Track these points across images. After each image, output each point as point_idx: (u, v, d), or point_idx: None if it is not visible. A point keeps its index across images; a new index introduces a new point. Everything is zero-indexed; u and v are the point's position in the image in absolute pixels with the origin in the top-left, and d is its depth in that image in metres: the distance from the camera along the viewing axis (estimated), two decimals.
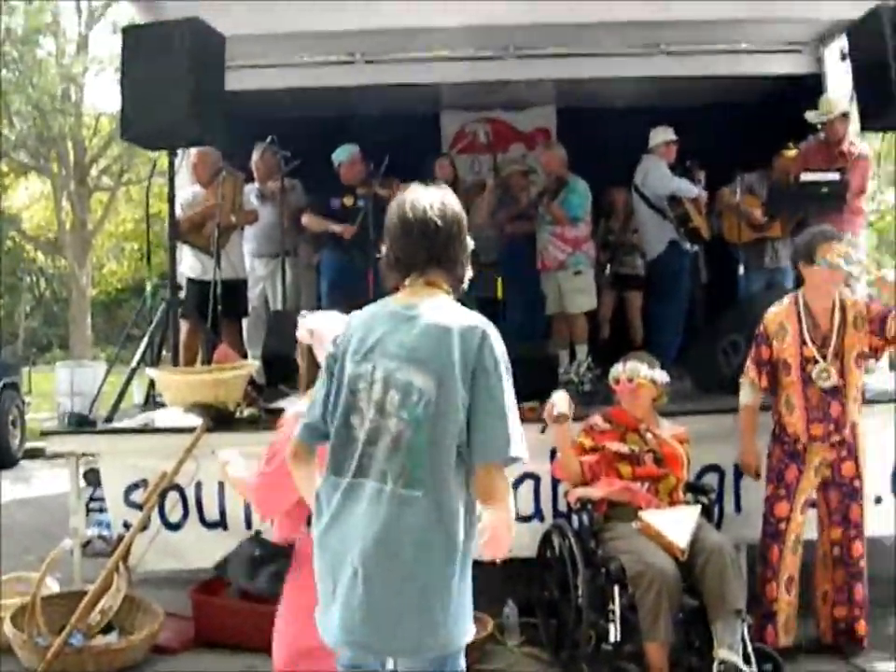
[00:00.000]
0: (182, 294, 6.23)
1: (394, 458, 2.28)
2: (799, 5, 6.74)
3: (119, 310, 25.89)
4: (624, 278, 7.77)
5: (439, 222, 2.40)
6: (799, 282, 4.52)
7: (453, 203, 2.47)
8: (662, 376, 4.40)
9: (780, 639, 4.26)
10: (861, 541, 4.28)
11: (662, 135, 7.02)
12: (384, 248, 2.47)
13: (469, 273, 2.54)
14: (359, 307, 5.65)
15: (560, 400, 4.24)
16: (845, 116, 6.55)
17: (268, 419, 4.68)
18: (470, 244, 2.51)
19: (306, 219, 7.08)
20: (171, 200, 5.97)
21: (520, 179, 7.52)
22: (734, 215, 7.13)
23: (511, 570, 4.85)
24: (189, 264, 6.64)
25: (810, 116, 6.72)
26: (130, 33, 5.82)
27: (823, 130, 6.70)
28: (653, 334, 7.18)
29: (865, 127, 6.52)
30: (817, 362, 4.20)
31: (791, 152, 7.18)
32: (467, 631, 2.38)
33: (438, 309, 2.37)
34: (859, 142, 6.85)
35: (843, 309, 4.26)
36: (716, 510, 4.69)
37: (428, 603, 2.26)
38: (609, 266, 7.73)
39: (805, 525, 4.34)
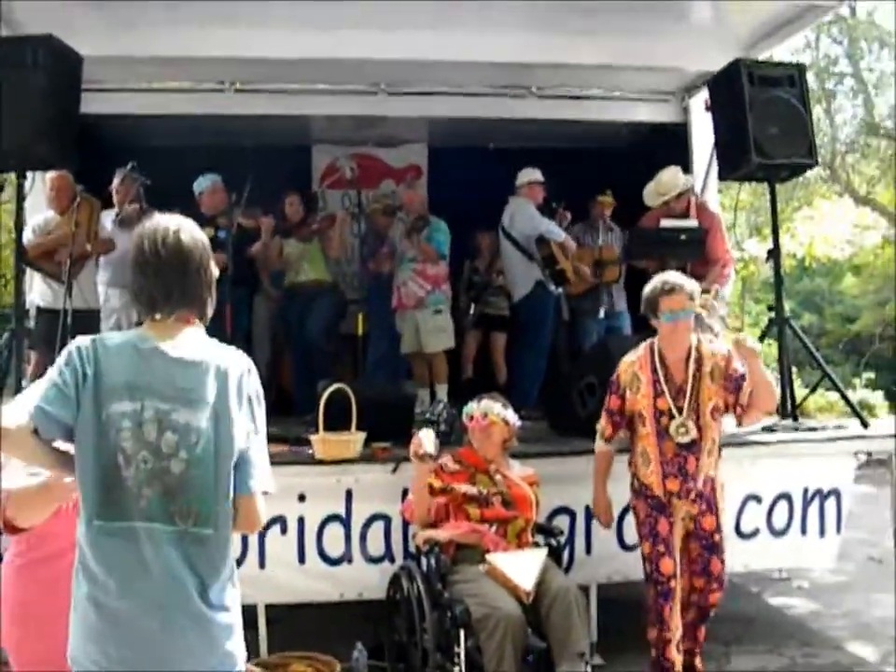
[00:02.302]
0: (32, 323, 5.97)
1: (179, 499, 2.19)
2: (665, 55, 6.93)
3: None
4: (490, 319, 7.82)
5: (177, 254, 2.31)
6: (636, 325, 4.60)
7: (191, 231, 2.37)
8: (513, 418, 4.42)
9: None
10: (720, 593, 4.26)
11: (528, 176, 7.12)
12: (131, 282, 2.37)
13: (212, 304, 2.45)
14: (220, 339, 5.50)
15: (427, 439, 4.17)
16: (681, 195, 6.73)
17: None
18: (215, 272, 2.43)
19: None
20: (18, 225, 5.72)
21: (381, 217, 7.49)
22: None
23: (360, 612, 4.82)
24: (40, 292, 6.37)
25: (647, 196, 6.92)
26: None
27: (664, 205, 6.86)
28: (517, 375, 7.21)
29: (724, 177, 6.73)
30: (672, 416, 4.11)
31: (606, 198, 7.39)
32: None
33: (199, 346, 2.32)
34: (707, 202, 7.10)
35: (699, 360, 4.15)
36: (567, 551, 4.73)
37: (225, 638, 2.24)
38: (473, 306, 7.76)
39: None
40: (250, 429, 2.28)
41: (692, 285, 4.17)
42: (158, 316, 2.33)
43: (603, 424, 4.36)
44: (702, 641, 4.38)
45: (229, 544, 2.27)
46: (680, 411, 4.11)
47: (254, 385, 2.33)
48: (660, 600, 4.12)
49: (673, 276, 4.19)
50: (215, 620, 2.21)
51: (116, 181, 6.90)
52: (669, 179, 6.80)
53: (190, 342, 2.31)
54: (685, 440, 4.10)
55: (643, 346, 4.31)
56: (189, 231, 2.36)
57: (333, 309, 7.30)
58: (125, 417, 2.19)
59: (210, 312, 2.43)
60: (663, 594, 4.11)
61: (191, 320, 2.36)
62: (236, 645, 2.27)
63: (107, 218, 6.78)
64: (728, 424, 5.88)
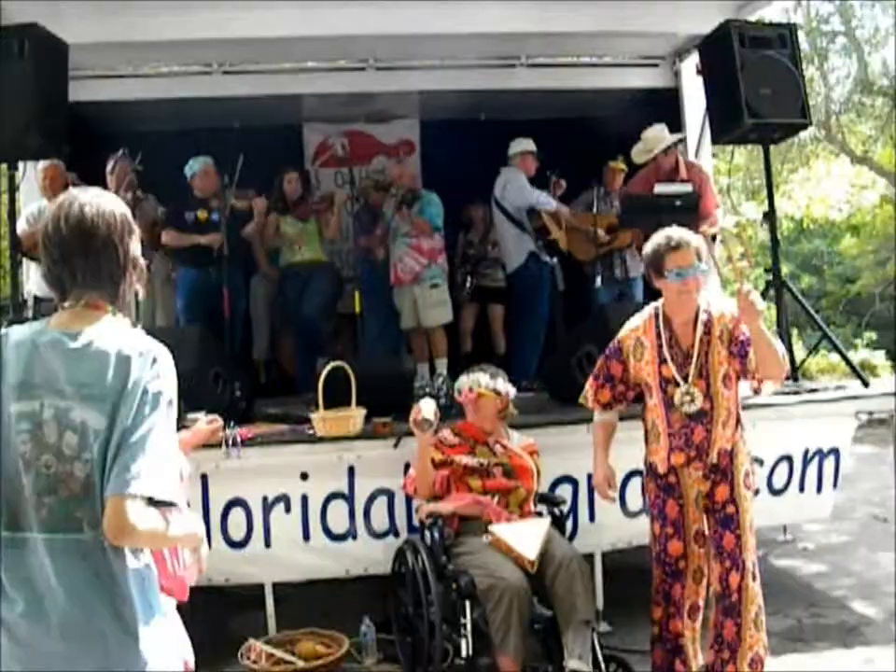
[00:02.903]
0: (30, 313, 5.98)
1: (86, 504, 1.99)
2: (655, 19, 6.87)
3: None
4: (486, 291, 7.82)
5: (91, 232, 2.07)
6: (649, 293, 4.46)
7: (110, 207, 2.12)
8: (505, 387, 4.39)
9: (692, 669, 3.91)
10: (739, 572, 3.69)
11: (520, 146, 7.09)
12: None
13: (136, 289, 2.21)
14: (216, 325, 5.46)
15: (426, 406, 4.15)
16: (668, 150, 6.72)
17: None
18: (136, 254, 2.16)
19: (167, 236, 6.78)
20: (11, 215, 5.72)
21: (374, 194, 7.47)
22: (580, 233, 7.19)
23: (367, 587, 4.86)
24: (36, 281, 6.38)
25: (635, 154, 6.93)
26: None
27: (650, 164, 6.88)
28: (515, 347, 7.22)
29: (717, 140, 6.72)
30: (678, 384, 3.77)
31: (619, 164, 7.36)
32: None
33: (104, 336, 2.04)
34: (697, 160, 7.08)
35: (707, 322, 3.77)
36: (570, 520, 4.74)
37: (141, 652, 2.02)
38: (469, 279, 7.75)
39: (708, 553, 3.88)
40: (140, 425, 1.97)
41: (698, 240, 3.80)
42: (66, 304, 2.10)
43: (593, 391, 4.03)
44: (731, 643, 3.74)
45: (137, 551, 2.05)
46: (686, 378, 3.75)
47: (158, 379, 2.02)
48: (669, 579, 3.88)
49: (678, 231, 3.79)
50: (128, 636, 2.00)
51: (108, 168, 6.90)
52: (655, 135, 6.80)
53: (96, 331, 2.05)
54: (692, 409, 3.75)
55: (647, 310, 3.96)
56: (96, 204, 2.10)
57: (331, 288, 7.30)
58: (23, 418, 2.01)
59: (127, 295, 2.17)
60: (671, 573, 3.87)
61: (101, 306, 2.10)
62: (155, 656, 2.03)
63: None
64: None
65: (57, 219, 2.08)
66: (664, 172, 6.75)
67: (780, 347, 3.65)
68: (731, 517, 3.75)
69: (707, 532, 3.85)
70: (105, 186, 6.76)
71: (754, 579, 3.73)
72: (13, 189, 5.71)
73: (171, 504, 1.99)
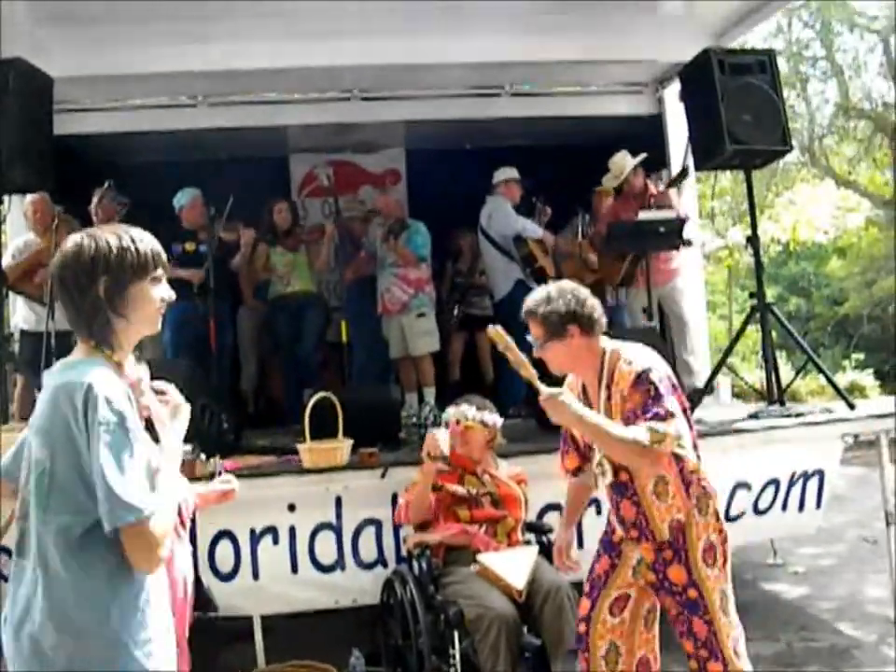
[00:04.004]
0: (16, 347, 5.98)
1: (28, 536, 2.07)
2: (637, 47, 6.96)
3: None
4: (474, 319, 7.84)
5: (62, 275, 2.14)
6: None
7: (73, 248, 2.14)
8: (492, 419, 4.38)
9: None
10: (720, 662, 3.13)
11: (504, 174, 7.14)
12: None
13: (135, 325, 2.22)
14: (203, 356, 5.47)
15: (442, 439, 4.13)
16: (635, 170, 6.90)
17: None
18: (117, 290, 2.14)
19: None
20: None
21: (357, 224, 7.49)
22: (573, 260, 7.23)
23: (356, 618, 4.83)
24: (23, 315, 6.39)
25: (606, 182, 7.11)
26: None
27: (625, 187, 7.03)
28: (502, 374, 7.22)
29: (700, 167, 6.75)
30: (591, 448, 3.40)
31: (606, 188, 7.43)
32: None
33: (65, 370, 2.11)
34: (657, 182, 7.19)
35: (609, 382, 3.19)
36: None
37: None
38: (457, 307, 7.78)
39: (636, 633, 3.35)
40: (98, 457, 1.97)
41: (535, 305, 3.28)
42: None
43: (560, 457, 3.67)
44: None
45: (67, 588, 2.02)
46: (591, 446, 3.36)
47: (100, 409, 1.98)
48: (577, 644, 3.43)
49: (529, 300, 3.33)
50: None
51: (94, 201, 6.91)
52: (618, 160, 6.98)
53: (65, 365, 2.14)
54: (607, 481, 3.28)
55: None
56: (73, 245, 2.15)
57: (322, 320, 7.33)
58: (29, 456, 2.13)
59: (117, 332, 2.16)
60: (576, 638, 3.44)
61: (87, 341, 2.15)
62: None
63: None
64: (714, 412, 5.98)
65: (53, 264, 2.19)
66: (634, 194, 6.94)
67: (622, 431, 2.99)
68: (695, 602, 3.17)
69: (667, 611, 3.32)
70: (90, 218, 6.81)
71: (738, 657, 3.19)
72: None
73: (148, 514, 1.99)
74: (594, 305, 3.25)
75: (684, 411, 3.14)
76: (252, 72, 6.68)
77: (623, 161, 6.96)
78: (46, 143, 5.54)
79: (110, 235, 2.19)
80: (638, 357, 3.17)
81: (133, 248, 2.18)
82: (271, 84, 7.41)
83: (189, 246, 6.75)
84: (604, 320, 3.28)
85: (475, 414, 4.34)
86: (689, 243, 6.57)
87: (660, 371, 3.12)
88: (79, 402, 1.99)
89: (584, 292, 3.29)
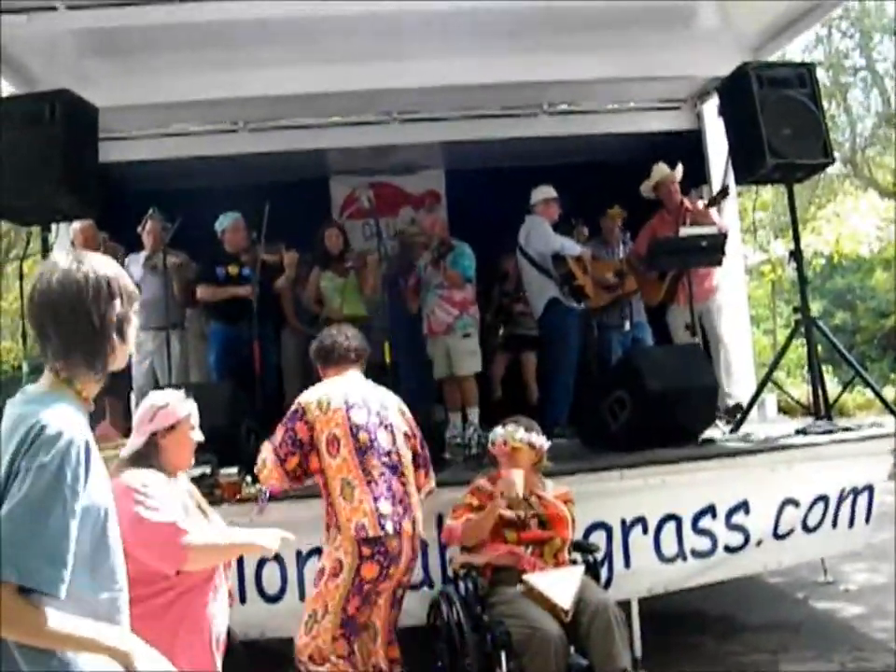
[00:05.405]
0: None
1: None
2: (674, 63, 6.97)
3: (16, 388, 25.07)
4: (519, 339, 7.86)
5: (59, 301, 1.98)
6: (657, 335, 4.43)
7: (84, 273, 2.01)
8: (540, 440, 4.35)
9: None
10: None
11: (542, 193, 7.12)
12: None
13: (122, 354, 2.09)
14: (247, 379, 5.55)
15: (518, 483, 4.10)
16: (673, 185, 6.99)
17: None
18: (118, 318, 2.04)
19: (201, 291, 6.85)
20: None
21: (416, 247, 7.53)
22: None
23: (403, 639, 4.80)
24: None
25: (644, 192, 7.17)
26: None
27: (663, 201, 7.08)
28: (546, 393, 7.21)
29: (740, 181, 6.73)
30: None
31: (614, 210, 7.41)
32: None
33: (29, 402, 1.96)
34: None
35: None
36: (605, 566, 4.69)
37: None
38: (502, 328, 7.79)
39: None
40: (13, 499, 1.80)
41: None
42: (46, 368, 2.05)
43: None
44: None
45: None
46: None
47: (40, 455, 1.82)
48: None
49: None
50: None
51: (140, 227, 7.00)
52: (655, 170, 7.14)
53: (23, 399, 2.00)
54: None
55: None
56: (70, 271, 2.01)
57: (372, 345, 7.30)
58: None
59: (109, 361, 2.06)
60: None
61: (59, 373, 2.00)
62: None
63: (134, 263, 6.87)
64: (761, 428, 5.92)
65: (32, 290, 2.02)
66: (671, 210, 6.99)
67: None
68: None
69: None
70: (138, 244, 6.91)
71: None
72: (46, 249, 5.82)
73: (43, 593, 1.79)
74: None
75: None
76: (291, 97, 6.79)
77: (660, 168, 7.08)
78: (91, 171, 5.65)
79: (106, 261, 2.10)
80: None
81: (125, 276, 2.12)
82: (310, 108, 7.51)
83: (233, 269, 6.80)
84: None
85: (523, 436, 4.31)
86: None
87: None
88: (29, 439, 1.84)
89: None
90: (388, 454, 3.96)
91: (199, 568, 2.91)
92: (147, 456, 3.08)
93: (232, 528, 3.25)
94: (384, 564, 3.85)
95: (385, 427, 4.02)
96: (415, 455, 4.15)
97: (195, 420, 3.24)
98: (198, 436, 3.23)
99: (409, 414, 4.22)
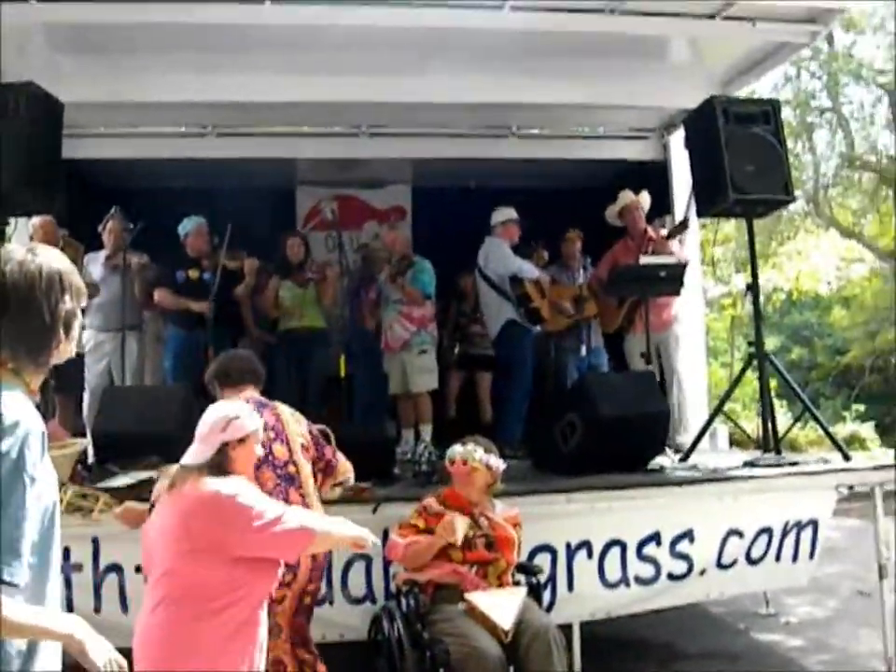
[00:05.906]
0: None
1: None
2: (644, 93, 7.05)
3: None
4: (475, 358, 7.86)
5: (8, 292, 1.96)
6: (613, 361, 4.47)
7: (37, 265, 2.00)
8: (497, 462, 4.34)
9: None
10: None
11: (502, 215, 7.14)
12: None
13: (65, 349, 2.07)
14: (201, 384, 5.52)
15: (460, 528, 4.07)
16: (640, 200, 7.11)
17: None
18: (67, 312, 2.04)
19: (159, 295, 6.79)
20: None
21: (379, 262, 7.52)
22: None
23: (343, 653, 4.78)
24: None
25: (609, 218, 7.29)
26: None
27: (627, 227, 7.19)
28: (499, 413, 7.22)
29: (702, 213, 6.79)
30: None
31: (573, 234, 7.48)
32: None
33: None
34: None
35: None
36: (548, 589, 4.70)
37: None
38: (457, 346, 7.79)
39: None
40: None
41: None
42: None
43: None
44: None
45: None
46: None
47: None
48: None
49: None
50: None
51: (101, 226, 6.93)
52: (622, 196, 7.26)
53: None
54: None
55: None
56: (23, 262, 1.99)
57: (329, 356, 7.30)
58: None
59: (53, 354, 2.04)
60: None
61: (4, 364, 1.98)
62: None
63: (94, 261, 6.80)
64: (711, 459, 5.96)
65: None
66: (637, 231, 7.12)
67: None
68: None
69: None
70: (98, 243, 6.84)
71: None
72: (3, 242, 5.73)
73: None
74: None
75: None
76: (262, 104, 6.78)
77: (624, 195, 7.19)
78: (53, 166, 5.57)
79: (58, 255, 2.10)
80: None
81: (75, 271, 2.12)
82: (280, 117, 7.50)
83: (193, 274, 6.76)
84: None
85: (482, 456, 4.30)
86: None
87: None
88: None
89: None
90: (284, 465, 3.92)
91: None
92: (221, 465, 3.05)
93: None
94: None
95: (281, 440, 3.99)
96: (314, 464, 4.10)
97: (261, 435, 3.24)
98: (260, 451, 3.25)
99: (306, 425, 4.19)
